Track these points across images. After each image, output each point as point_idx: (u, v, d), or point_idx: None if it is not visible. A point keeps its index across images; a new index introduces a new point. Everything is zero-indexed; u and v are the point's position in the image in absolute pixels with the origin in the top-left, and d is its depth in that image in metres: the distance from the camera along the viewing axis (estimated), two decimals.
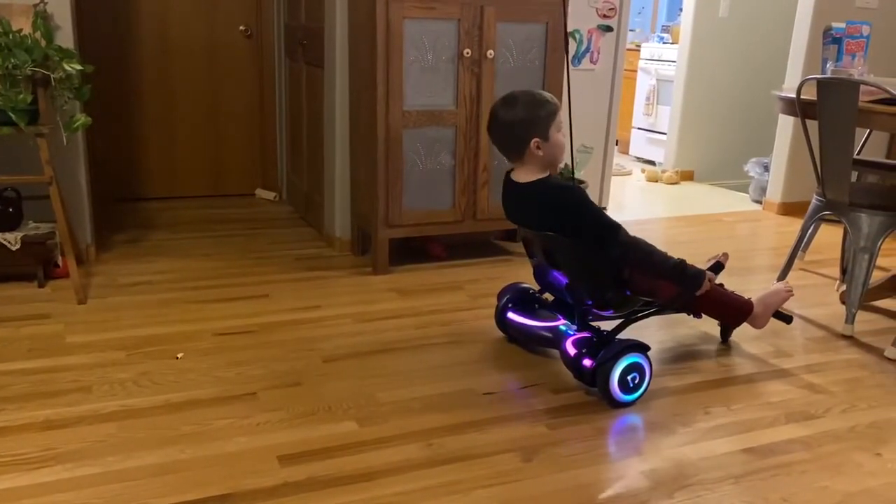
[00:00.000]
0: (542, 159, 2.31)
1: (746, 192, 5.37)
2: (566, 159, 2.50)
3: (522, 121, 2.28)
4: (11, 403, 2.16)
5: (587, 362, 2.28)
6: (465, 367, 2.52)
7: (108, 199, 4.22)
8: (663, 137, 6.15)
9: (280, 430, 2.08)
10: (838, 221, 3.13)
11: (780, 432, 2.18)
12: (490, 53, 3.31)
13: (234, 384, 2.33)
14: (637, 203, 5.23)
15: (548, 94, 2.33)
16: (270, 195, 4.74)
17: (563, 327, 2.48)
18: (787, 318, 2.69)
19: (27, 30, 2.84)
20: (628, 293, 2.40)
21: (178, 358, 2.49)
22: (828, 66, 3.20)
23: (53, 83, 2.82)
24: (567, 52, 3.38)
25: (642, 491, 1.88)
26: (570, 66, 4.05)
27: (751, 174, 5.26)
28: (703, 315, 2.62)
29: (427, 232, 3.49)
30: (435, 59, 3.25)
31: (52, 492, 1.77)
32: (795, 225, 3.38)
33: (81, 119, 2.94)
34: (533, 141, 2.27)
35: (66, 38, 3.10)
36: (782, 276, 3.24)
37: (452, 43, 3.27)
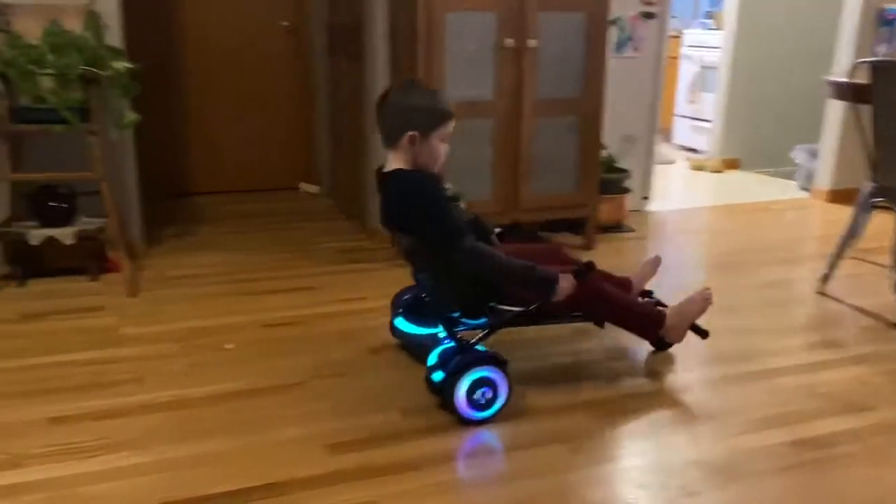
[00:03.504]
0: (412, 156, 2.13)
1: (794, 179, 5.26)
2: (440, 169, 2.19)
3: (410, 109, 2.12)
4: (68, 393, 2.23)
5: (436, 376, 2.10)
6: (507, 356, 2.51)
7: (156, 195, 4.31)
8: (707, 125, 6.05)
9: (328, 419, 2.11)
10: (891, 208, 3.05)
11: (830, 423, 2.14)
12: (531, 43, 3.29)
13: (281, 374, 2.37)
14: (681, 192, 5.16)
15: (448, 103, 2.17)
16: (313, 189, 4.79)
17: (441, 336, 2.26)
18: (702, 333, 2.43)
19: (78, 30, 2.91)
20: (491, 302, 2.21)
21: (227, 349, 2.54)
22: (881, 48, 3.11)
23: (103, 82, 2.89)
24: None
25: (693, 481, 1.87)
26: (613, 54, 4.00)
27: (798, 161, 5.15)
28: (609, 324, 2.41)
29: None
30: (475, 51, 3.25)
31: (107, 479, 1.83)
32: (844, 213, 3.30)
33: (132, 117, 3.01)
34: (409, 134, 2.09)
35: (114, 37, 3.17)
36: (832, 265, 3.17)
37: (493, 33, 3.26)
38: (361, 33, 3.68)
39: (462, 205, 2.21)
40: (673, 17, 5.02)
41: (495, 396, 2.10)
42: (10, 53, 2.76)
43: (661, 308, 2.43)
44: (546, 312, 2.23)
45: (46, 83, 2.85)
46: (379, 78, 3.55)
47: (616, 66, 3.94)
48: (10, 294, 2.99)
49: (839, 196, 4.72)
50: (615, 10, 3.80)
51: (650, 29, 4.17)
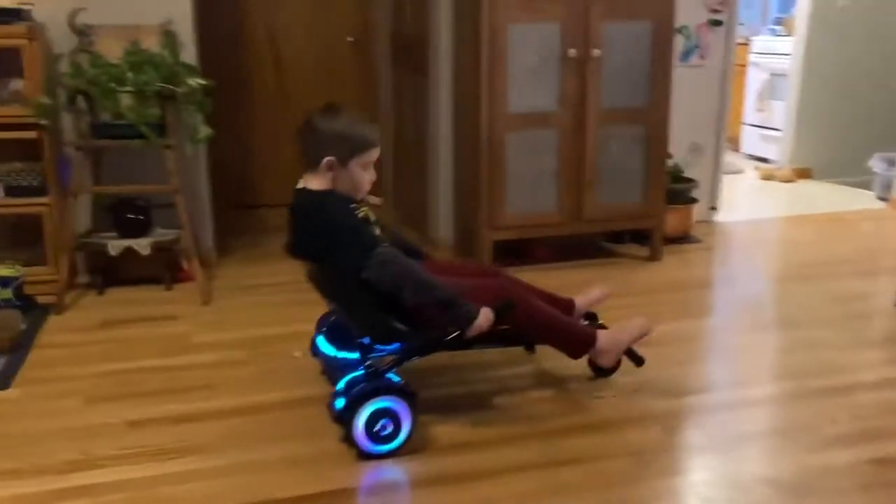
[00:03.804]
0: (331, 182, 2.08)
1: (870, 189, 5.07)
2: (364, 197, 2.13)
3: (330, 135, 2.07)
4: (146, 398, 2.31)
5: (338, 403, 1.99)
6: (573, 369, 2.50)
7: (227, 206, 4.43)
8: (777, 134, 5.89)
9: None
10: None
11: None
12: (596, 53, 3.27)
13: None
14: (751, 202, 5.03)
15: (374, 132, 2.13)
16: (376, 200, 4.82)
17: (355, 362, 2.14)
18: (638, 360, 2.31)
19: (156, 48, 3.03)
20: (400, 326, 2.05)
21: (295, 357, 2.59)
22: None
23: (179, 98, 3.00)
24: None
25: (766, 499, 1.82)
26: (678, 63, 3.95)
27: (875, 170, 4.96)
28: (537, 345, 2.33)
29: (530, 234, 3.49)
30: (538, 62, 3.25)
31: (184, 481, 1.89)
32: None
33: (205, 131, 3.11)
34: (327, 159, 2.04)
35: (188, 54, 3.29)
36: None
37: (556, 44, 3.26)
38: (425, 46, 3.73)
39: (378, 230, 2.09)
40: (740, 24, 4.93)
41: (398, 430, 1.97)
42: (92, 72, 2.90)
43: (592, 330, 2.30)
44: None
45: (125, 100, 2.98)
46: (442, 89, 3.59)
47: (682, 75, 3.88)
48: (91, 302, 3.12)
49: None
50: (681, 19, 3.76)
51: (717, 36, 4.10)
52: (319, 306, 3.02)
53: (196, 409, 2.24)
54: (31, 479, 1.90)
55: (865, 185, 5.16)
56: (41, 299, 3.03)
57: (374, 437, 1.95)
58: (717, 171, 4.32)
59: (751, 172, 5.84)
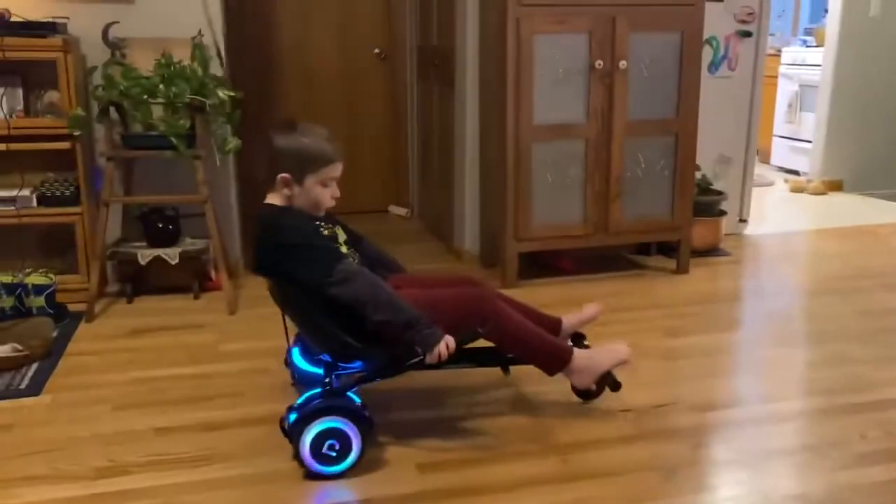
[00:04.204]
0: (287, 199, 2.06)
1: None
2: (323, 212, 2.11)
3: (286, 151, 2.05)
4: (173, 405, 2.33)
5: (291, 417, 1.95)
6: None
7: (255, 217, 4.48)
8: (808, 146, 5.82)
9: (419, 437, 2.13)
10: None
11: None
12: (622, 64, 3.26)
13: (372, 392, 2.40)
14: (781, 215, 4.97)
15: (332, 149, 2.08)
16: (402, 211, 4.87)
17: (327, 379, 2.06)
18: (614, 385, 2.19)
19: (186, 61, 3.08)
20: (356, 343, 1.99)
21: None
22: None
23: (208, 109, 3.05)
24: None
25: None
26: (707, 74, 3.92)
27: None
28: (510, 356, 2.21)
29: (556, 246, 3.48)
30: (565, 73, 3.25)
31: (210, 489, 1.90)
32: None
33: (234, 142, 3.15)
34: (281, 176, 2.02)
35: (217, 67, 3.34)
36: None
37: (583, 55, 3.25)
38: (452, 58, 3.75)
39: (344, 248, 2.08)
40: (771, 34, 4.89)
41: (345, 451, 1.91)
42: (125, 84, 2.95)
43: (569, 347, 2.21)
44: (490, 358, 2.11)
45: (156, 111, 3.03)
46: (468, 101, 3.60)
47: (711, 86, 3.86)
48: (121, 310, 3.17)
49: None
50: (710, 30, 3.74)
51: (747, 47, 4.07)
52: None
53: (222, 418, 2.26)
54: (59, 484, 1.92)
55: None
56: (72, 307, 3.08)
57: (320, 457, 1.90)
58: (746, 183, 4.28)
59: (780, 185, 5.78)
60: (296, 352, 2.31)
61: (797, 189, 5.57)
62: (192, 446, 2.10)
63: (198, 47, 3.17)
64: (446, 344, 1.96)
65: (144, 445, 2.10)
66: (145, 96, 2.95)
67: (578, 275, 3.57)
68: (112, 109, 3.05)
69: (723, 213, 3.99)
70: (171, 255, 3.19)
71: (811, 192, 5.48)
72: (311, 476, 1.92)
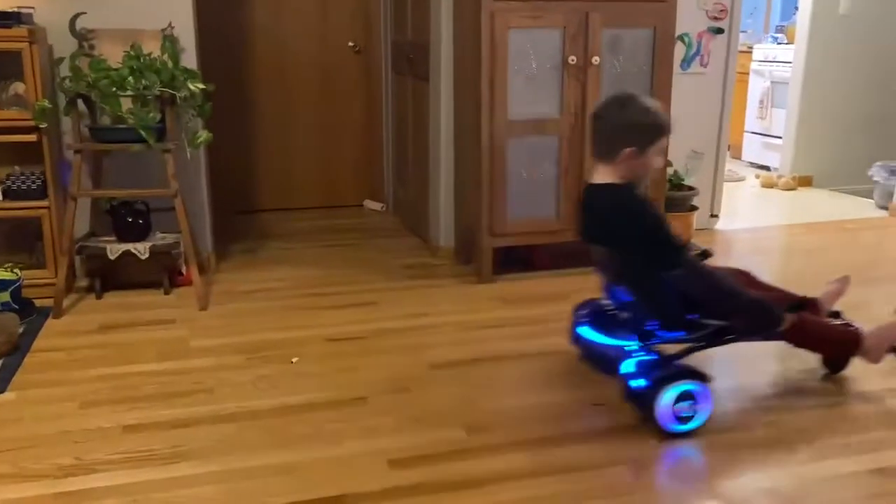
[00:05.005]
0: (629, 171, 2.16)
1: (871, 197, 5.06)
2: (647, 181, 2.32)
3: (629, 125, 2.15)
4: (142, 402, 2.30)
5: (635, 383, 2.12)
6: (571, 377, 2.49)
7: (226, 211, 4.43)
8: (778, 141, 5.89)
9: (390, 434, 2.12)
10: None
11: None
12: (595, 60, 3.27)
13: (345, 388, 2.40)
14: (752, 210, 5.03)
15: (664, 115, 2.20)
16: (378, 206, 4.85)
17: (628, 347, 2.29)
18: None
19: (156, 53, 3.04)
20: (696, 317, 2.21)
21: (292, 362, 2.58)
22: None
23: (179, 102, 3.01)
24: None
25: None
26: (679, 70, 3.95)
27: (876, 179, 4.96)
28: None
29: (531, 241, 3.48)
30: (539, 68, 3.25)
31: (179, 487, 1.88)
32: None
33: (204, 135, 3.11)
34: (629, 149, 2.12)
35: (189, 59, 3.29)
36: None
37: (557, 51, 3.25)
38: (426, 52, 3.73)
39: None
40: (743, 31, 4.93)
41: (696, 411, 2.10)
42: (93, 76, 2.90)
43: (856, 330, 2.39)
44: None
45: (125, 104, 2.98)
46: (443, 96, 3.58)
47: (683, 82, 3.88)
48: (89, 305, 3.12)
49: None
50: (682, 26, 3.76)
51: (718, 44, 4.10)
52: (318, 312, 3.04)
53: (192, 415, 2.23)
54: (25, 483, 1.89)
55: (866, 194, 5.16)
56: (39, 303, 3.03)
57: (676, 416, 2.07)
58: (717, 178, 4.32)
59: (752, 180, 5.84)
60: (586, 329, 2.46)
61: (768, 184, 5.63)
62: (162, 444, 2.07)
63: (168, 39, 3.12)
64: (790, 321, 2.22)
65: (113, 443, 2.07)
66: (114, 88, 2.90)
67: (553, 269, 3.58)
68: (80, 101, 3.00)
69: (694, 208, 4.02)
70: (141, 249, 3.14)
71: (782, 187, 5.55)
72: (665, 435, 2.06)
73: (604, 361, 2.37)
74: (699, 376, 2.10)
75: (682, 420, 2.08)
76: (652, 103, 2.20)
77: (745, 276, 2.48)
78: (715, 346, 2.24)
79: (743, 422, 2.22)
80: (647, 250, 2.12)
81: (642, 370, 2.13)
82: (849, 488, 1.89)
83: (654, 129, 2.15)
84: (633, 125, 2.15)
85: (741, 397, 2.39)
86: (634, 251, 2.14)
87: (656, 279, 2.15)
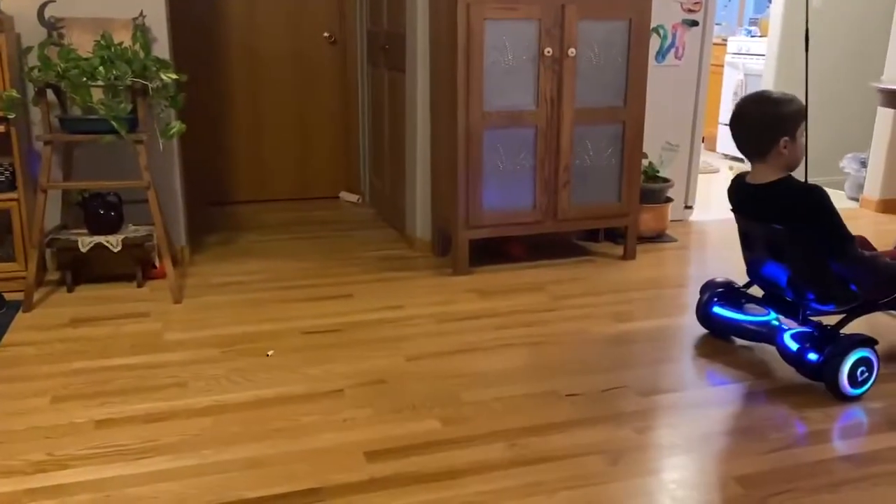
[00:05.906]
0: (786, 160, 2.32)
1: (842, 189, 5.13)
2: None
3: (775, 117, 2.29)
4: (115, 397, 2.27)
5: (812, 356, 2.29)
6: (547, 368, 2.51)
7: (200, 203, 4.39)
8: None
9: (366, 426, 2.12)
10: None
11: (883, 440, 2.08)
12: (571, 52, 3.28)
13: (321, 381, 2.39)
14: (726, 202, 5.06)
15: (797, 99, 2.34)
16: (354, 198, 4.83)
17: (775, 322, 2.58)
18: None
19: (127, 42, 2.99)
20: (854, 288, 2.38)
21: (268, 355, 2.57)
22: None
23: (151, 92, 2.96)
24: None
25: (734, 497, 1.83)
26: (654, 63, 3.97)
27: (847, 170, 5.03)
28: None
29: (507, 233, 3.49)
30: (515, 60, 3.25)
31: (153, 481, 1.86)
32: (895, 223, 3.21)
33: (177, 126, 3.07)
34: (782, 140, 2.27)
35: (161, 49, 3.25)
36: None
37: (533, 43, 3.26)
38: (402, 43, 3.71)
39: None
40: (717, 24, 4.97)
41: (870, 374, 2.29)
42: (63, 65, 2.85)
43: None
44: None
45: (96, 94, 2.93)
46: (419, 87, 3.57)
47: (658, 75, 3.91)
48: (60, 299, 3.07)
49: (890, 206, 4.60)
50: (657, 19, 3.77)
51: (693, 36, 4.13)
52: (294, 305, 3.03)
53: (166, 409, 2.21)
54: None
55: (837, 185, 5.22)
56: (9, 296, 2.98)
57: (854, 382, 2.27)
58: (692, 170, 4.35)
59: (726, 172, 5.89)
60: (720, 308, 2.69)
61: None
62: (135, 438, 2.05)
63: (139, 28, 3.07)
64: None
65: (85, 438, 2.05)
66: (84, 78, 2.86)
67: (529, 261, 3.59)
68: (49, 92, 2.95)
69: (669, 199, 4.05)
70: (114, 242, 3.10)
71: None
72: (844, 399, 2.27)
73: (748, 336, 2.66)
74: (870, 342, 2.29)
75: (859, 384, 2.28)
76: (780, 93, 2.35)
77: (863, 241, 2.59)
78: (864, 314, 2.45)
79: None
80: (824, 240, 2.29)
81: (812, 343, 2.31)
82: None
83: (796, 115, 2.31)
84: (777, 116, 2.30)
85: None
86: (811, 239, 2.29)
87: (821, 263, 2.33)
